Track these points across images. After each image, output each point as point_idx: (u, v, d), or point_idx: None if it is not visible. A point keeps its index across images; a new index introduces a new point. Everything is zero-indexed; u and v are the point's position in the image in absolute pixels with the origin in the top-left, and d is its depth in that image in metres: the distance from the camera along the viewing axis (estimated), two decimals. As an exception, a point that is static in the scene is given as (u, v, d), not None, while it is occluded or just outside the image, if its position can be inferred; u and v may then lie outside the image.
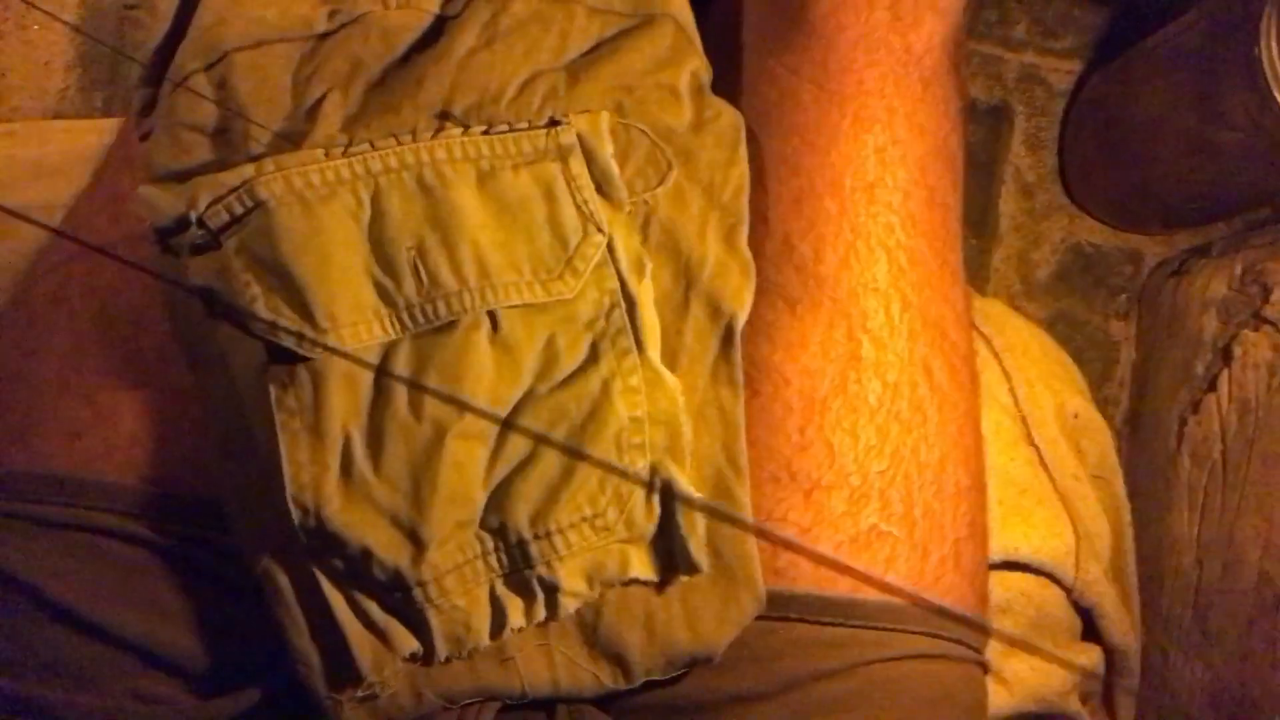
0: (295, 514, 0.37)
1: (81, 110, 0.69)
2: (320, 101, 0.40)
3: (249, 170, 0.38)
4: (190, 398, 0.41)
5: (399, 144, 0.38)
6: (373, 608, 0.38)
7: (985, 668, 0.49)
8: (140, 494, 0.41)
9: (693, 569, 0.40)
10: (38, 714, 0.40)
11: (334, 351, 0.37)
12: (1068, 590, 0.60)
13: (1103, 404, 0.80)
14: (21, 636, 0.40)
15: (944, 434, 0.45)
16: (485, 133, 0.39)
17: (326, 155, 0.38)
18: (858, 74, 0.45)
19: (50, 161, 0.56)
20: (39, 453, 0.42)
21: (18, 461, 0.42)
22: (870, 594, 0.43)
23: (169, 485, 0.41)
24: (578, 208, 0.39)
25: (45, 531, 0.41)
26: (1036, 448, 0.61)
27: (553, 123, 0.40)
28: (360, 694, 0.39)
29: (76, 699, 0.40)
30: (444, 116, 0.40)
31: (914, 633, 0.43)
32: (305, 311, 0.37)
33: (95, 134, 0.57)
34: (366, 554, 0.37)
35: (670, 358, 0.41)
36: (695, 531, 0.39)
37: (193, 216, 0.37)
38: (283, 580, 0.38)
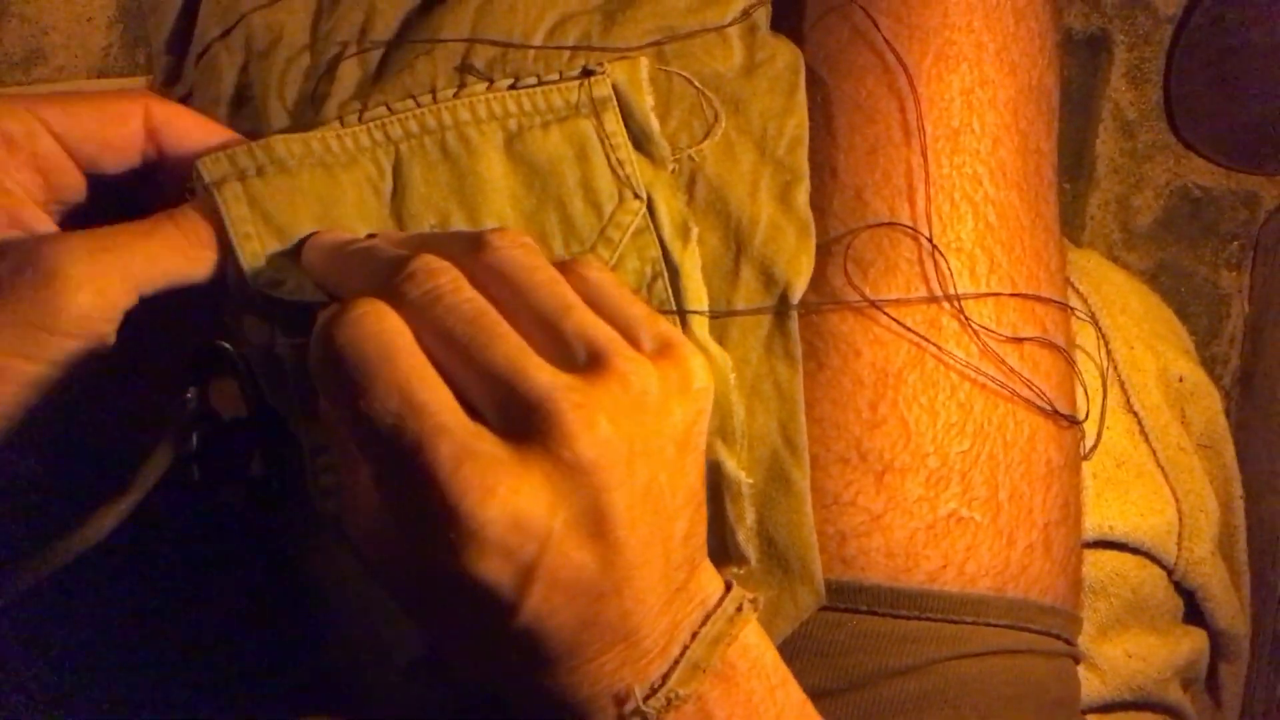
0: (315, 496, 0.36)
1: (125, 68, 0.67)
2: (336, 60, 0.38)
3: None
4: None
5: (418, 105, 0.36)
6: None
7: (1077, 659, 0.46)
8: None
9: (740, 561, 0.37)
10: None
11: None
12: (1169, 570, 0.56)
13: (1210, 363, 0.75)
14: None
15: (1035, 408, 0.41)
16: (511, 87, 0.37)
17: (343, 123, 0.36)
18: (942, 5, 0.41)
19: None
20: None
21: None
22: (949, 585, 0.40)
23: None
24: (613, 170, 0.37)
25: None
26: (1136, 415, 0.57)
27: (586, 72, 0.37)
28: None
29: None
30: (465, 70, 0.37)
31: (998, 626, 0.40)
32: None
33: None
34: None
35: (720, 330, 0.38)
36: (744, 521, 0.37)
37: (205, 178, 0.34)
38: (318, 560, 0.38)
